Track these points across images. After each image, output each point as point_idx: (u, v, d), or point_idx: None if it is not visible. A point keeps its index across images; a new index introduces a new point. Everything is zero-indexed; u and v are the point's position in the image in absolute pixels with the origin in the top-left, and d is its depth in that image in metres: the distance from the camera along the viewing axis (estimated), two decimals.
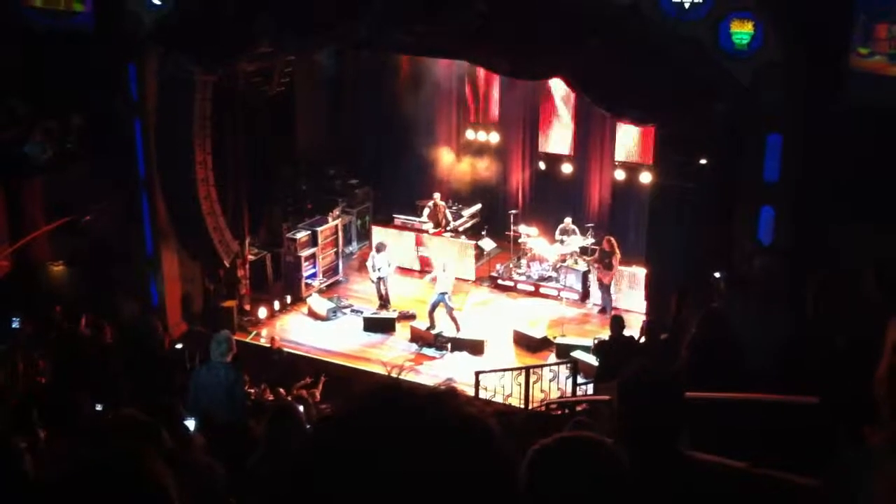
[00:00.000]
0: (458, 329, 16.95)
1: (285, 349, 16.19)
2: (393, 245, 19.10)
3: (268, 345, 16.18)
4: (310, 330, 17.76)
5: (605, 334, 14.44)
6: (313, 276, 18.92)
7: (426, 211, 20.14)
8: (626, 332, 13.06)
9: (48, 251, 15.96)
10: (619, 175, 19.31)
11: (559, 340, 16.40)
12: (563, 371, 15.14)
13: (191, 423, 7.50)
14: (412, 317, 17.82)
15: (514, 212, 20.11)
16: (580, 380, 14.50)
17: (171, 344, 14.13)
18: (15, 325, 11.63)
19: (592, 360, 14.29)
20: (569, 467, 2.28)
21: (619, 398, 3.51)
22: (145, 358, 9.90)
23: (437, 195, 20.24)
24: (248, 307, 17.80)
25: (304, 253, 18.65)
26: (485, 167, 20.93)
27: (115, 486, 2.42)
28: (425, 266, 19.47)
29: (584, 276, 18.55)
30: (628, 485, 2.31)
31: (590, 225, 19.42)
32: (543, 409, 13.23)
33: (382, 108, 21.25)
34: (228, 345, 9.64)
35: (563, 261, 18.97)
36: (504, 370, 15.06)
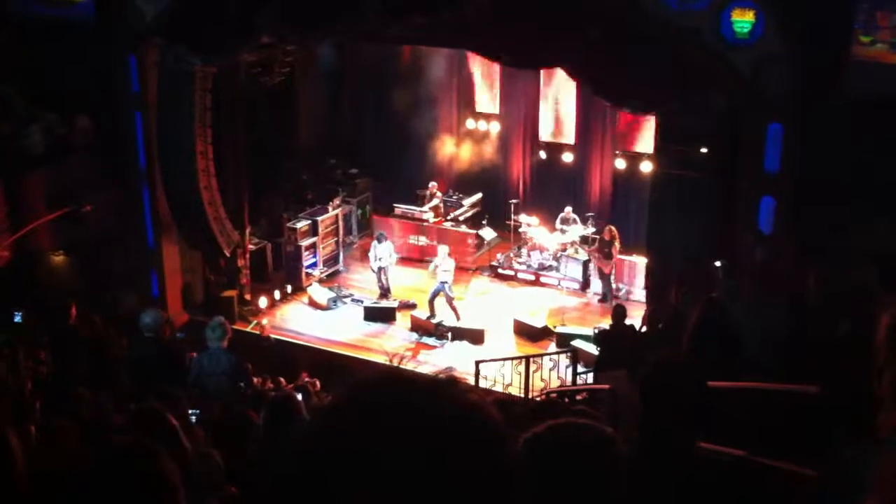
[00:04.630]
0: (458, 318, 16.97)
1: (274, 336, 16.19)
2: (394, 235, 19.16)
3: (257, 332, 16.18)
4: (310, 319, 17.78)
5: (606, 323, 14.46)
6: (314, 265, 18.93)
7: (435, 201, 20.22)
8: (627, 322, 13.07)
9: (49, 241, 15.95)
10: (620, 164, 19.29)
11: (559, 329, 16.42)
12: (563, 360, 15.15)
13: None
14: (412, 306, 17.85)
15: (514, 201, 20.10)
16: (580, 369, 14.52)
17: (172, 334, 14.13)
18: (17, 318, 11.60)
19: (592, 349, 14.30)
20: (560, 454, 2.28)
21: (644, 386, 3.49)
22: (148, 348, 9.88)
23: (432, 184, 20.29)
24: (248, 297, 17.82)
25: (305, 243, 18.66)
26: (485, 156, 20.93)
27: (130, 482, 2.44)
28: (426, 255, 19.48)
29: (585, 265, 18.56)
30: (622, 470, 2.32)
31: (590, 214, 19.43)
32: (543, 398, 13.25)
33: (383, 97, 21.23)
34: (223, 330, 9.63)
35: (564, 250, 18.98)
36: (504, 359, 15.08)
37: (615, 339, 12.58)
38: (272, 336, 16.15)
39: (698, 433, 3.51)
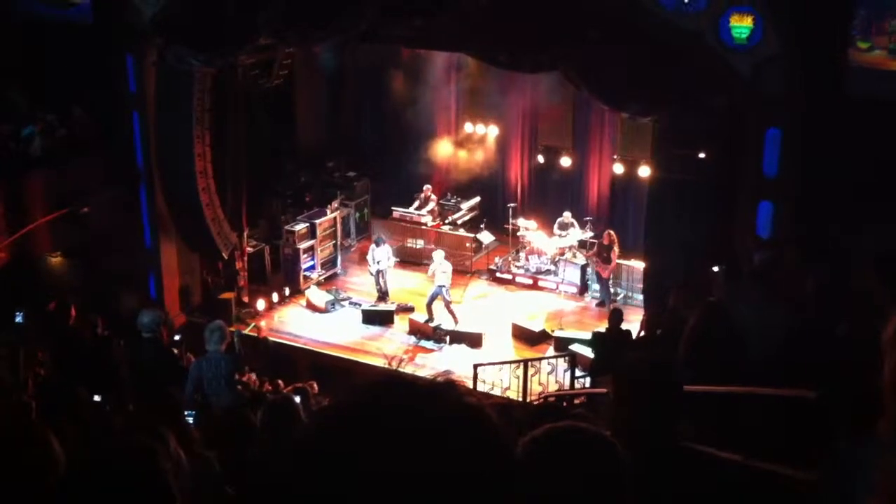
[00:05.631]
0: (456, 322, 16.96)
1: (271, 338, 16.18)
2: (392, 238, 19.20)
3: (254, 334, 16.18)
4: (308, 322, 17.77)
5: (604, 327, 14.45)
6: (312, 268, 18.93)
7: (430, 205, 20.22)
8: (624, 326, 13.07)
9: (47, 243, 15.95)
10: (618, 169, 19.27)
11: (557, 333, 16.42)
12: (562, 364, 15.15)
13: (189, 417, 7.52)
14: (411, 309, 17.84)
15: (512, 205, 20.11)
16: (578, 373, 14.52)
17: (170, 336, 14.12)
18: (18, 319, 11.60)
19: (590, 353, 14.29)
20: (560, 458, 2.27)
21: (615, 388, 3.51)
22: (146, 350, 9.89)
23: (427, 187, 20.29)
24: (246, 299, 17.82)
25: (303, 245, 18.66)
26: (483, 160, 20.93)
27: (126, 481, 2.44)
28: (424, 259, 19.49)
29: (583, 269, 18.56)
30: (623, 475, 2.31)
31: (588, 218, 19.44)
32: (542, 401, 13.24)
33: (382, 100, 21.25)
34: (221, 333, 9.64)
35: (562, 254, 18.98)
36: (502, 363, 15.08)
37: (611, 342, 12.59)
38: (269, 338, 16.13)
39: (676, 433, 3.52)
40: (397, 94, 20.72)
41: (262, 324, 17.11)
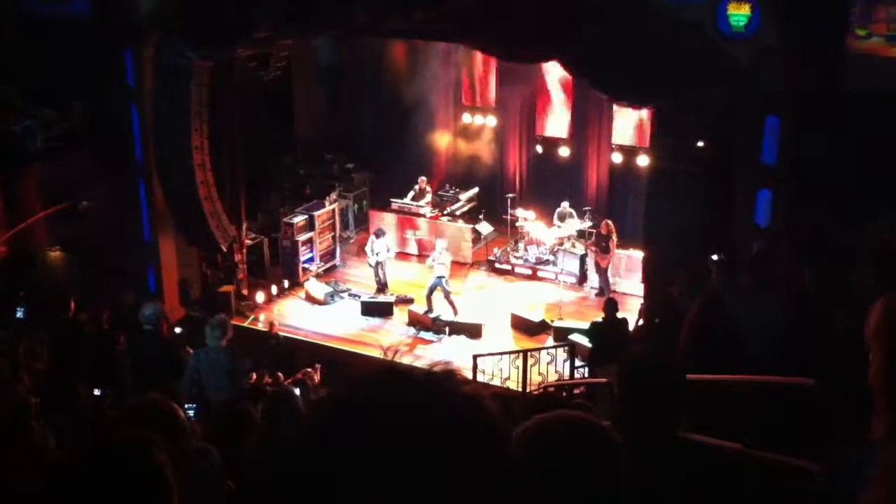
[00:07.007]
0: (455, 313, 16.96)
1: (282, 333, 16.18)
2: (391, 230, 19.19)
3: (266, 329, 16.18)
4: (308, 314, 17.77)
5: (601, 317, 14.47)
6: (311, 260, 18.92)
7: (427, 196, 20.20)
8: (620, 315, 13.09)
9: (46, 237, 15.95)
10: (617, 158, 19.27)
11: (557, 324, 16.42)
12: (561, 354, 15.16)
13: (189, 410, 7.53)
14: (410, 301, 17.84)
15: (511, 195, 20.10)
16: (578, 363, 14.54)
17: (169, 329, 14.12)
18: (19, 314, 11.61)
19: (589, 343, 14.30)
20: (555, 448, 2.26)
21: (620, 381, 3.50)
22: (147, 344, 9.90)
23: (422, 179, 20.26)
24: (245, 292, 17.80)
25: (302, 238, 18.64)
26: (482, 151, 20.91)
27: (122, 472, 2.44)
28: (422, 250, 19.50)
29: (582, 259, 18.56)
30: (619, 464, 2.30)
31: (587, 208, 19.42)
32: (541, 391, 13.25)
33: (380, 92, 21.21)
34: (223, 328, 9.64)
35: (561, 244, 18.98)
36: (502, 353, 15.07)
37: (607, 332, 12.61)
38: (280, 333, 16.13)
39: (679, 426, 3.52)
40: (395, 85, 20.68)
41: (262, 317, 17.11)
